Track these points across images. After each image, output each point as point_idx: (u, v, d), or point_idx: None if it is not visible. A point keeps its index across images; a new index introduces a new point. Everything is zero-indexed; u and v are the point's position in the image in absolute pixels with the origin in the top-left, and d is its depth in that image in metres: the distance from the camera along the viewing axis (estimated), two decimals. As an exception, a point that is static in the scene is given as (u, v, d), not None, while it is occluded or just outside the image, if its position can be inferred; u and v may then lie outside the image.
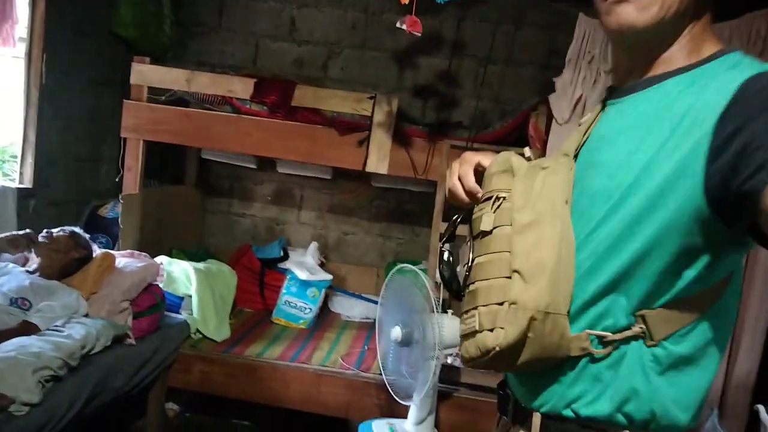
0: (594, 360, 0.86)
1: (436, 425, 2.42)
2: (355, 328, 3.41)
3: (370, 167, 2.95)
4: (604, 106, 0.97)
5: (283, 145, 3.03)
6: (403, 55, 3.80)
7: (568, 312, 0.85)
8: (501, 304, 0.84)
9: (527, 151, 0.99)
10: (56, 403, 1.88)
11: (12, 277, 2.26)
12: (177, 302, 2.93)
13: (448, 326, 2.24)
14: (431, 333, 2.14)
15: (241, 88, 3.04)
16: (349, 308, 3.65)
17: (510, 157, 0.94)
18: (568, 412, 0.89)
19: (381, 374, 2.43)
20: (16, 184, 2.91)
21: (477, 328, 0.87)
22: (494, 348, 0.84)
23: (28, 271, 2.34)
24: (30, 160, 2.98)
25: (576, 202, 0.89)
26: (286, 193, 4.06)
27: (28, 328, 2.06)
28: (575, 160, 0.94)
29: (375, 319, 2.57)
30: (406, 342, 2.22)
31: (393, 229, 4.00)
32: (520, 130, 3.00)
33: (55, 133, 3.09)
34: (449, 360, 2.68)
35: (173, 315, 2.87)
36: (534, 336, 0.83)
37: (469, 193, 0.99)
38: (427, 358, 2.18)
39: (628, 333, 0.84)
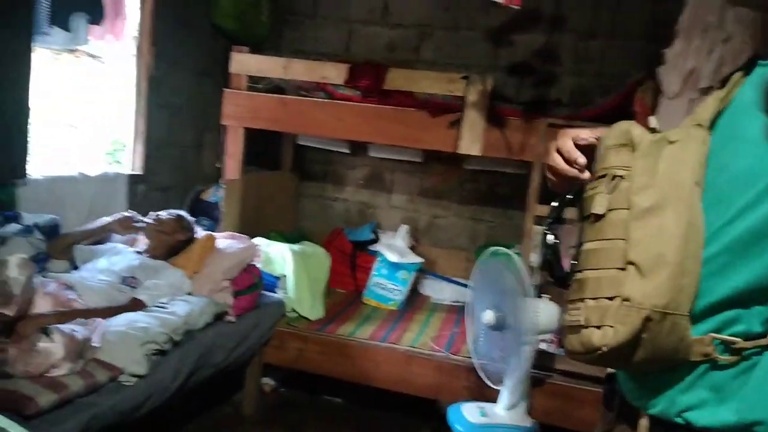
0: (717, 367, 0.76)
1: (529, 411, 2.35)
2: (444, 310, 3.39)
3: (463, 149, 2.89)
4: (748, 71, 0.82)
5: (375, 128, 3.04)
6: (497, 33, 3.68)
7: (691, 312, 0.74)
8: (612, 299, 0.75)
9: (653, 120, 0.87)
10: (161, 375, 2.00)
11: (122, 257, 2.43)
12: (274, 282, 3.04)
13: (543, 311, 2.16)
14: (525, 318, 2.08)
15: (334, 73, 3.07)
16: (438, 291, 3.63)
17: (629, 128, 0.82)
18: (679, 420, 0.80)
19: (471, 357, 2.39)
20: (127, 171, 3.12)
21: (582, 322, 0.78)
22: (600, 347, 0.76)
23: (137, 252, 2.51)
24: (140, 147, 3.18)
25: (710, 184, 0.77)
26: (377, 177, 4.09)
27: (136, 305, 2.21)
28: (710, 133, 0.80)
29: (465, 303, 2.53)
30: (498, 326, 2.17)
31: (484, 212, 3.92)
32: (624, 106, 2.82)
33: (162, 122, 3.28)
34: (543, 345, 2.59)
35: (270, 294, 2.97)
36: (648, 337, 0.73)
37: (569, 162, 0.88)
38: (521, 343, 2.12)
39: (763, 341, 0.74)
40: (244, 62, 3.18)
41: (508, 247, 2.36)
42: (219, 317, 2.44)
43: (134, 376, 1.90)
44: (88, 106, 3.02)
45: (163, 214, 2.62)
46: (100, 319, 2.03)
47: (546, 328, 2.24)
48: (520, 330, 2.10)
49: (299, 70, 3.11)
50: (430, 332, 2.99)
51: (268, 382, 3.07)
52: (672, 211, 0.75)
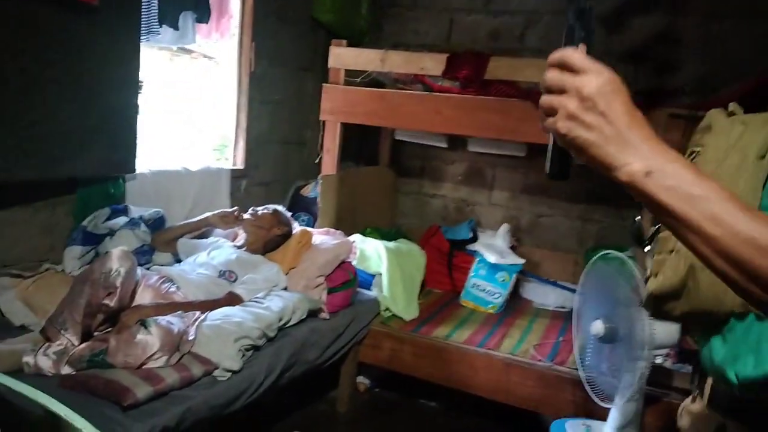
0: (761, 318, 0.78)
1: (642, 433, 2.13)
2: (548, 317, 3.18)
3: (570, 143, 2.67)
4: None
5: (475, 121, 2.90)
6: (611, 16, 3.40)
7: None
8: (670, 252, 0.84)
9: (732, 105, 0.92)
10: (254, 371, 1.99)
11: (222, 251, 2.46)
12: (368, 279, 2.99)
13: (661, 324, 1.93)
14: (640, 330, 1.87)
15: (433, 64, 2.95)
16: (542, 295, 3.41)
17: (714, 113, 0.92)
18: (731, 375, 0.81)
19: (577, 370, 2.20)
20: (229, 166, 3.19)
21: (648, 273, 0.91)
22: (651, 292, 0.85)
23: (236, 246, 2.54)
24: (241, 143, 3.24)
25: None
26: (476, 172, 3.93)
27: (233, 299, 2.22)
28: None
29: (571, 309, 2.34)
30: (608, 338, 1.97)
31: (595, 210, 3.64)
32: (756, 94, 2.49)
33: (263, 117, 3.33)
34: (659, 360, 2.34)
35: (365, 292, 2.92)
36: (693, 285, 0.80)
37: None
38: (634, 358, 1.91)
39: None
40: (341, 56, 3.14)
41: (620, 251, 2.14)
42: (313, 314, 2.41)
43: (228, 371, 1.90)
44: (197, 103, 3.12)
45: (261, 208, 2.64)
46: (197, 312, 2.06)
47: (663, 342, 2.00)
48: (633, 344, 1.89)
49: (397, 61, 3.02)
50: (532, 339, 2.81)
51: (362, 381, 3.02)
52: (728, 177, 0.80)
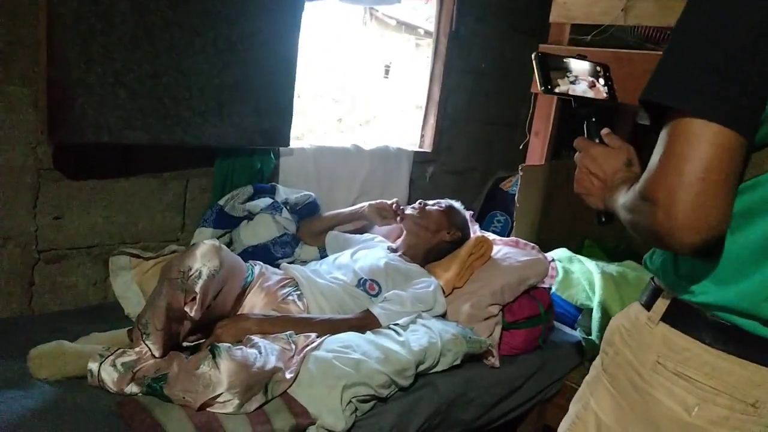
0: None
1: None
2: None
3: None
4: None
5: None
6: None
7: None
8: None
9: None
10: (366, 435, 1.39)
11: (371, 253, 1.90)
12: (573, 314, 2.18)
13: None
14: None
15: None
16: None
17: None
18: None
19: None
20: (413, 148, 2.62)
21: None
22: None
23: (390, 248, 1.95)
24: (432, 120, 2.64)
25: None
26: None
27: (367, 321, 1.64)
28: None
29: None
30: None
31: None
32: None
33: (462, 90, 2.68)
34: None
35: (565, 330, 2.13)
36: None
37: None
38: None
39: None
40: (567, 6, 2.33)
41: None
42: (476, 357, 1.72)
43: (329, 431, 1.33)
44: (381, 74, 2.62)
45: (431, 203, 2.01)
46: (312, 335, 1.52)
47: None
48: None
49: (646, 11, 2.11)
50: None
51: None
52: None
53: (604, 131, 0.98)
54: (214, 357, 1.29)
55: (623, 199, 0.81)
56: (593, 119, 0.99)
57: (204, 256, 1.37)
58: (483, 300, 1.79)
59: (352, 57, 3.17)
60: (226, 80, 1.83)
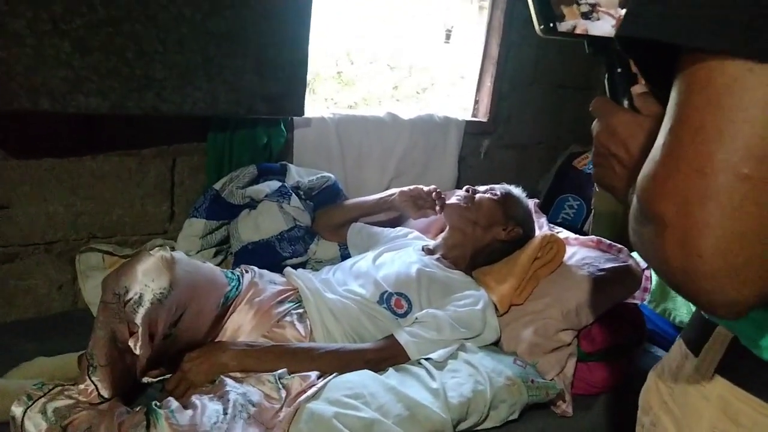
0: None
1: None
2: None
3: None
4: None
5: None
6: None
7: None
8: None
9: None
10: None
11: (399, 256, 1.44)
12: (669, 333, 1.67)
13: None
14: None
15: None
16: None
17: None
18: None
19: None
20: (465, 117, 2.13)
21: None
22: None
23: (425, 249, 1.49)
24: (488, 83, 2.14)
25: None
26: None
27: (390, 352, 1.21)
28: None
29: None
30: None
31: None
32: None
33: (527, 45, 2.16)
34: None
35: (658, 354, 1.63)
36: None
37: None
38: None
39: None
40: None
41: None
42: (542, 404, 1.26)
43: None
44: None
45: (482, 189, 1.54)
46: (312, 376, 1.10)
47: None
48: None
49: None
50: None
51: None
52: None
53: (637, 89, 0.63)
54: (148, 426, 0.89)
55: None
56: (618, 70, 0.65)
57: (146, 273, 0.96)
58: (551, 324, 1.32)
59: (410, 20, 2.77)
60: (213, 27, 1.40)
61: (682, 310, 1.63)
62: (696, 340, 0.58)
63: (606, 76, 0.69)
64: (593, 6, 0.69)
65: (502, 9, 2.08)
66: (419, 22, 2.72)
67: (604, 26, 0.68)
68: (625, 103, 0.64)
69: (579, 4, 0.68)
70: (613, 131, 0.60)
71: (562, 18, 0.67)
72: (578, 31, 0.67)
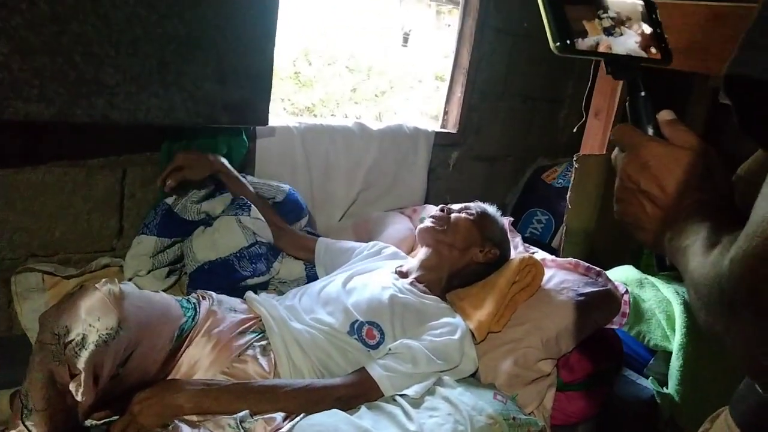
0: None
1: None
2: None
3: None
4: None
5: None
6: None
7: None
8: None
9: None
10: None
11: (373, 279, 1.35)
12: (643, 356, 1.64)
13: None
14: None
15: None
16: None
17: None
18: None
19: None
20: (434, 128, 2.06)
21: None
22: None
23: (399, 272, 1.41)
24: (458, 93, 2.07)
25: None
26: None
27: (362, 388, 1.12)
28: None
29: None
30: None
31: None
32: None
33: (498, 56, 2.10)
34: None
35: (634, 378, 1.59)
36: None
37: None
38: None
39: None
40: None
41: None
42: (520, 438, 1.19)
43: None
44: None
45: (458, 207, 1.47)
46: (277, 418, 1.00)
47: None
48: None
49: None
50: None
51: None
52: None
53: (665, 115, 0.59)
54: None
55: (694, 258, 0.45)
56: (642, 93, 0.60)
57: (91, 311, 0.84)
58: (531, 354, 1.25)
59: (368, 22, 2.72)
60: (171, 29, 1.28)
61: (657, 333, 1.60)
62: (747, 419, 0.52)
63: (628, 99, 0.62)
64: (614, 20, 0.62)
65: (474, 18, 2.02)
66: (377, 24, 2.67)
67: (628, 42, 0.62)
68: (650, 130, 0.59)
69: (601, 18, 0.61)
70: (645, 164, 0.55)
71: (580, 34, 0.60)
72: (601, 49, 0.60)
